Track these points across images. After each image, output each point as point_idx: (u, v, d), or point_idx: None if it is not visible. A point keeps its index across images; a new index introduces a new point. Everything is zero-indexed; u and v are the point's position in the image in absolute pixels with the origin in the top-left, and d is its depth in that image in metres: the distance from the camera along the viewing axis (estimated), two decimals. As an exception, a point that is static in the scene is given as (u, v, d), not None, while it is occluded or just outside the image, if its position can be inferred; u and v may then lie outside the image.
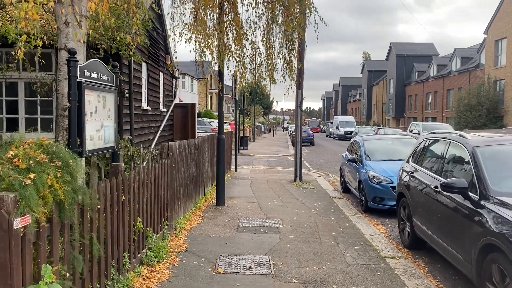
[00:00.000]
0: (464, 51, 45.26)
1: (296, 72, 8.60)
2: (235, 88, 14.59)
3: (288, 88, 8.70)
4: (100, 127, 4.96)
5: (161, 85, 12.41)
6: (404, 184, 6.69)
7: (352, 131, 43.20)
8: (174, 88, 13.97)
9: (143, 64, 10.08)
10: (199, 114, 43.89)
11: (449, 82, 45.68)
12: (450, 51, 48.82)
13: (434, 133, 6.73)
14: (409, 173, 6.58)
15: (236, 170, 15.52)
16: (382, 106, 68.02)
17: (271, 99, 70.36)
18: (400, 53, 58.92)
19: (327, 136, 56.13)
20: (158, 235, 5.63)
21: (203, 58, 7.25)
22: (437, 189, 5.24)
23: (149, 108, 10.40)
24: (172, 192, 6.42)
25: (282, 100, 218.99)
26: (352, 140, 12.07)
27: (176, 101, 15.04)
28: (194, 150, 8.25)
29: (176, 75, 13.62)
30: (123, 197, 4.37)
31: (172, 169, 6.41)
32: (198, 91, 53.28)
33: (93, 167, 6.02)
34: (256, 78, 8.13)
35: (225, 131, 21.98)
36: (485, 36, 37.79)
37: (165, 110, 12.70)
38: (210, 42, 7.00)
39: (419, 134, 22.66)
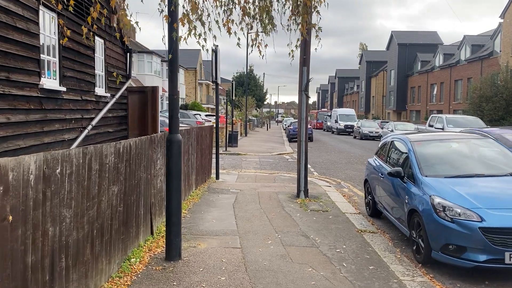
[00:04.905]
0: (474, 38, 41.57)
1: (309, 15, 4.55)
2: (216, 63, 10.56)
3: (295, 47, 4.74)
4: None
5: (101, 57, 8.30)
6: None
7: (353, 125, 39.31)
8: (128, 66, 9.89)
9: (46, 14, 5.98)
10: (186, 106, 39.66)
11: (457, 72, 42.04)
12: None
13: None
14: None
15: (217, 177, 11.56)
16: (382, 99, 64.34)
17: (264, 91, 65.95)
18: (402, 42, 55.27)
19: (324, 130, 51.99)
20: None
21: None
22: None
23: (64, 89, 6.30)
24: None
25: (276, 93, 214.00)
26: (385, 139, 8.04)
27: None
28: (116, 163, 4.27)
29: (127, 43, 9.43)
30: None
31: (5, 229, 2.46)
32: (185, 81, 48.94)
33: None
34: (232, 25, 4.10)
35: (209, 124, 17.98)
36: (501, 20, 34.04)
37: (109, 95, 8.60)
38: None
39: (442, 129, 18.81)
